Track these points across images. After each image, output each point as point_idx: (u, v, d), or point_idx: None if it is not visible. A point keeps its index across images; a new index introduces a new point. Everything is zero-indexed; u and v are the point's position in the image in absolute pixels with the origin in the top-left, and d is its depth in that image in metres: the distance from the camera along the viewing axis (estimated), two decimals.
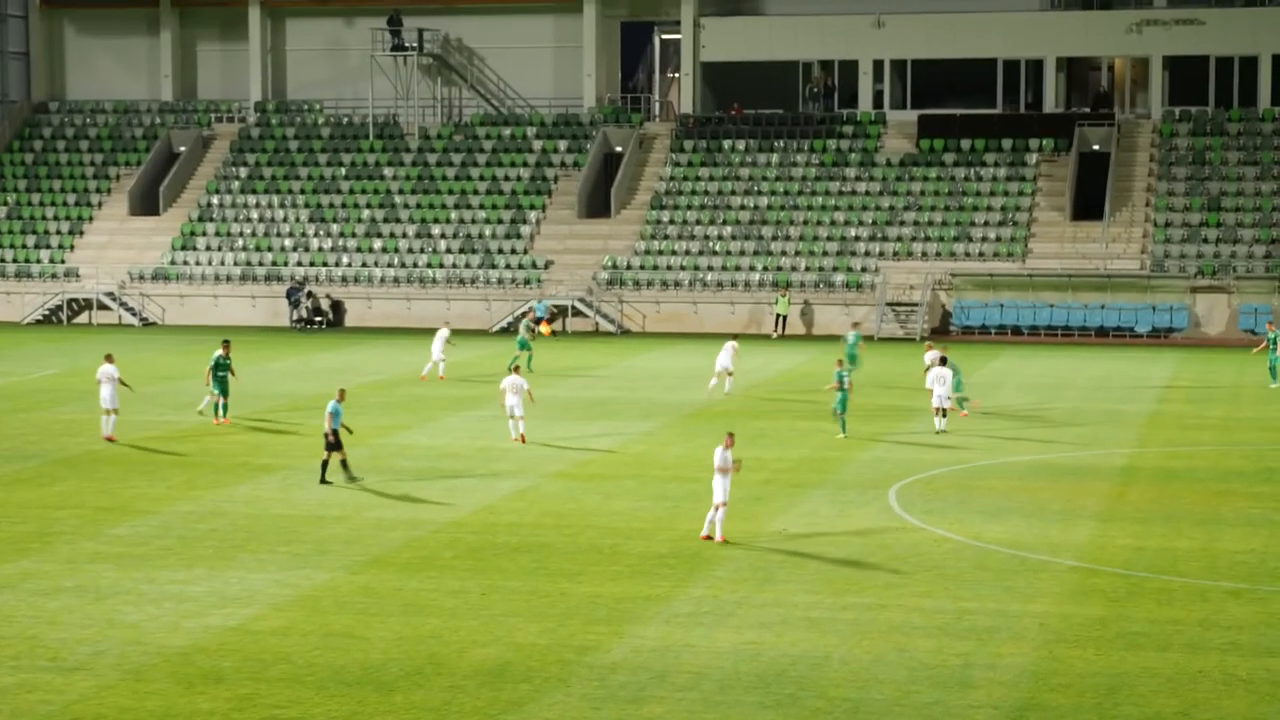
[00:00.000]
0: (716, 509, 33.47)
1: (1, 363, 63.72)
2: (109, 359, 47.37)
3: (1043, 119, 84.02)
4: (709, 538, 33.55)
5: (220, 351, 48.39)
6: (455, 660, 25.64)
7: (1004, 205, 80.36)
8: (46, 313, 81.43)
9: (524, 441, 45.15)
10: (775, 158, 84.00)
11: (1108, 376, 61.91)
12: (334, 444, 39.47)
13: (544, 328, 68.96)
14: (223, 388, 48.17)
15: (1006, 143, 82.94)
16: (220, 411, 48.24)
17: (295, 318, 78.29)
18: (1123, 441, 46.63)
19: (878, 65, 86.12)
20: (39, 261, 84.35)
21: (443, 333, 59.08)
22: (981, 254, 78.34)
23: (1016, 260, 77.82)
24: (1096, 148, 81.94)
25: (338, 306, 79.73)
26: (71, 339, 71.68)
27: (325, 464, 39.79)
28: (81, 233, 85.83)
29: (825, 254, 78.94)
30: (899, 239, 79.26)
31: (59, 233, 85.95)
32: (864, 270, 77.75)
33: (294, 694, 24.11)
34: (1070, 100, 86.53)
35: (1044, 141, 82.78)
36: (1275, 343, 58.35)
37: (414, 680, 24.70)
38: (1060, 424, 49.90)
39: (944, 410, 47.18)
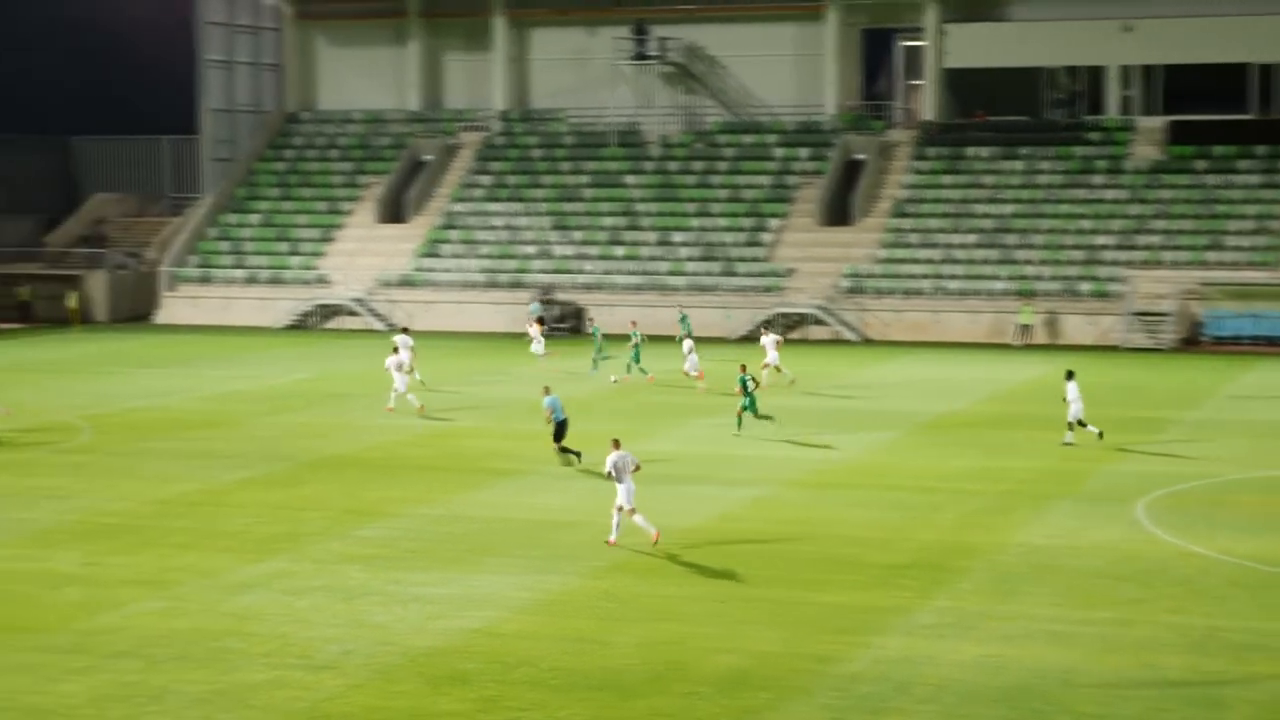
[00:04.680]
0: (632, 513, 33.73)
1: (254, 367, 65.22)
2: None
3: None
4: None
5: None
6: (695, 666, 25.65)
7: (1258, 213, 78.36)
8: (298, 318, 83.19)
9: (391, 412, 51.31)
10: (1019, 165, 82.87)
11: None
12: (559, 435, 42.72)
13: (537, 327, 69.71)
14: None
15: (1261, 149, 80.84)
16: None
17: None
18: None
19: (1126, 71, 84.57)
20: (290, 268, 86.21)
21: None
22: (1234, 263, 76.49)
23: (1271, 269, 75.81)
24: None
25: (579, 313, 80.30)
26: (321, 344, 73.07)
27: (565, 451, 42.73)
28: (331, 240, 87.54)
29: (1070, 262, 77.68)
30: (1147, 247, 77.72)
31: (310, 240, 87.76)
32: (1111, 279, 76.36)
33: (537, 697, 24.31)
34: None
35: None
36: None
37: (655, 685, 24.76)
38: None
39: (1075, 423, 46.08)
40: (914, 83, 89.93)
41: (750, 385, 47.60)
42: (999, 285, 77.03)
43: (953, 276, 77.95)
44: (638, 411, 52.81)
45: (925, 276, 78.18)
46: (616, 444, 34.48)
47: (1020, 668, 25.56)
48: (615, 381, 57.53)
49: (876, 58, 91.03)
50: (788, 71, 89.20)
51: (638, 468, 34.16)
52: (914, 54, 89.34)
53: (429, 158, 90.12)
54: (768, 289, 79.12)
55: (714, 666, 25.65)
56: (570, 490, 40.07)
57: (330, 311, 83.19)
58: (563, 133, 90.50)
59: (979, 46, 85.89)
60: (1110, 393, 58.77)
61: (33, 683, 24.97)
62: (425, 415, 51.53)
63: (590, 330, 67.43)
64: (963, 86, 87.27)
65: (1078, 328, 75.10)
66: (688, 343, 59.24)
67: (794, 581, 30.99)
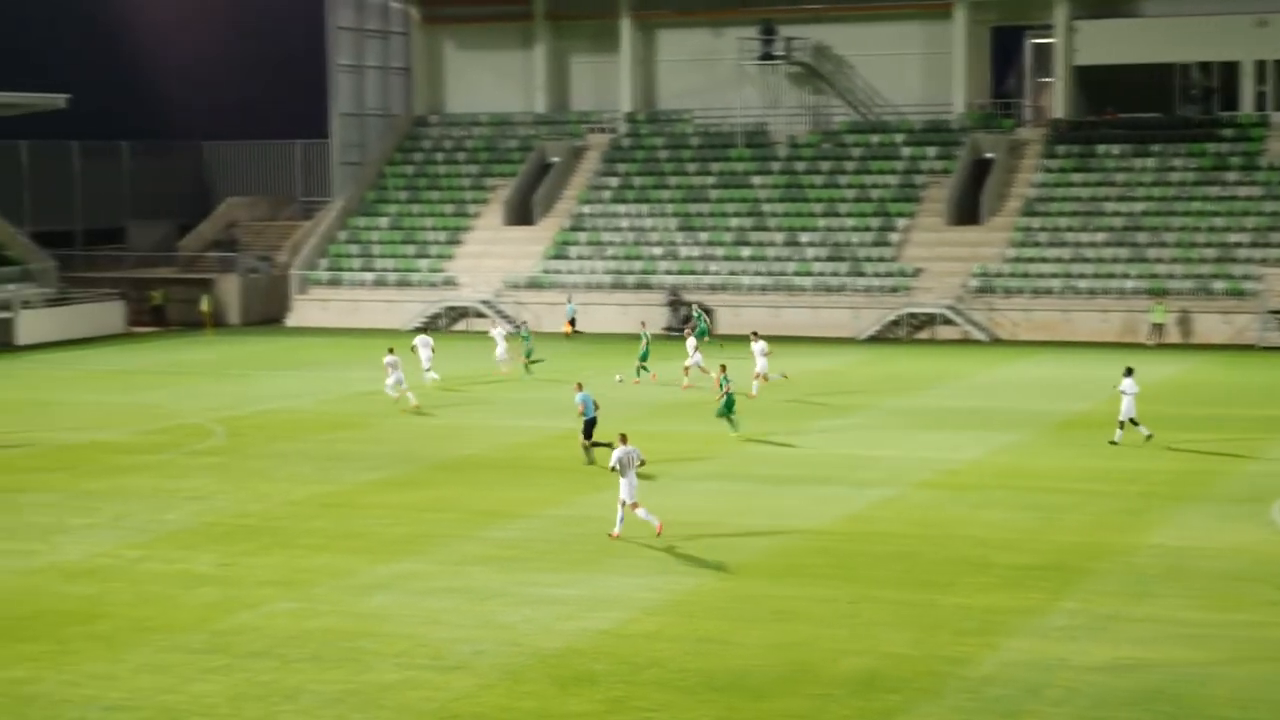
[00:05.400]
0: (634, 508, 34.46)
1: (383, 369, 65.68)
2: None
3: None
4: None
5: None
6: (825, 668, 25.60)
7: None
8: (426, 320, 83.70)
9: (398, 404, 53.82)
10: (1151, 162, 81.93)
11: None
12: (588, 432, 43.41)
13: (566, 327, 69.56)
14: None
15: None
16: None
17: (667, 324, 78.97)
18: None
19: (1260, 66, 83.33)
20: (419, 270, 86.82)
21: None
22: None
23: None
24: None
25: (707, 314, 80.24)
26: (449, 346, 73.38)
27: (596, 446, 43.15)
28: (459, 242, 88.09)
29: (1203, 261, 76.68)
30: None
31: (438, 242, 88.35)
32: (1245, 277, 75.32)
33: (665, 698, 24.35)
34: None
35: None
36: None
37: (784, 687, 24.74)
38: None
39: (1128, 422, 45.67)
40: (1044, 80, 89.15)
41: (729, 386, 48.01)
42: (1130, 284, 76.21)
43: (1083, 275, 77.20)
44: (762, 413, 52.71)
45: (1055, 276, 77.48)
46: (623, 439, 35.06)
47: (1154, 671, 25.29)
48: (619, 380, 58.14)
49: (1006, 55, 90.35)
50: (915, 70, 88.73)
51: (642, 463, 34.98)
52: (1044, 51, 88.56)
53: (556, 160, 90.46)
54: (895, 289, 78.75)
55: (844, 668, 25.59)
56: (696, 492, 40.11)
57: (458, 313, 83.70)
58: (689, 134, 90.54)
59: (1110, 43, 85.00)
60: (1244, 392, 58.04)
61: (170, 682, 25.36)
62: (420, 412, 52.91)
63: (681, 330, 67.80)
64: (1093, 84, 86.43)
65: (1211, 326, 74.16)
66: (692, 341, 59.77)
67: (923, 583, 30.85)
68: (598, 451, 43.07)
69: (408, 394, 54.07)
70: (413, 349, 59.69)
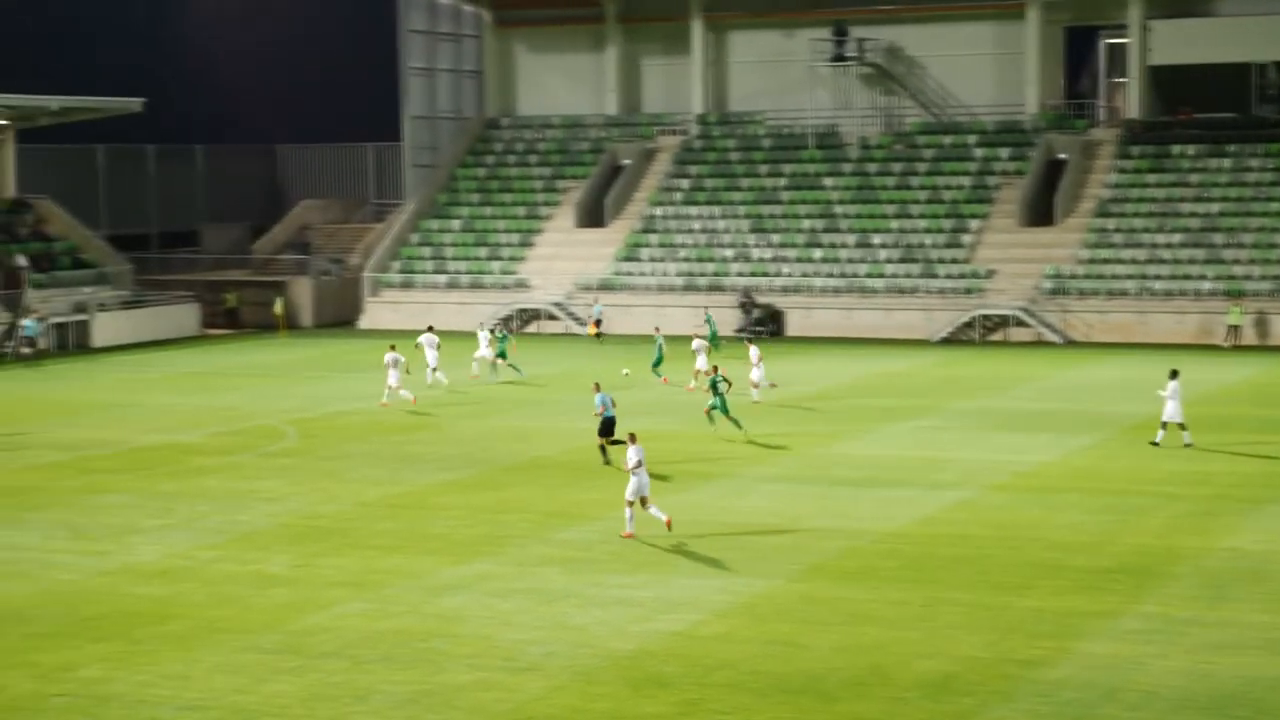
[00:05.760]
0: (632, 504, 34.88)
1: (454, 371, 65.79)
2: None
3: None
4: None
5: None
6: (898, 671, 25.47)
7: None
8: (498, 322, 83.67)
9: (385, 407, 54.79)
10: (1227, 163, 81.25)
11: None
12: (605, 430, 43.73)
13: (591, 328, 69.35)
14: None
15: None
16: None
17: (740, 326, 78.90)
18: None
19: None
20: (491, 273, 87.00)
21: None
22: None
23: None
24: None
25: (778, 316, 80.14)
26: (520, 347, 73.61)
27: (604, 448, 43.73)
28: (531, 244, 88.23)
29: None
30: None
31: (509, 244, 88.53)
32: None
33: (737, 700, 24.30)
34: None
35: None
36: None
37: (856, 690, 24.63)
38: None
39: (1174, 425, 45.27)
40: (1118, 80, 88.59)
41: (723, 387, 48.12)
42: (1206, 285, 75.59)
43: (1158, 277, 76.62)
44: (836, 415, 52.59)
45: (1130, 277, 76.94)
46: (633, 438, 35.39)
47: (1231, 675, 25.05)
48: (625, 374, 58.63)
49: (1079, 55, 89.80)
50: (988, 71, 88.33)
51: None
52: (1118, 51, 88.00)
53: (627, 162, 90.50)
54: (968, 291, 78.38)
55: (916, 671, 25.45)
56: (769, 494, 40.01)
57: (530, 315, 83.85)
58: (760, 135, 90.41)
59: (1185, 42, 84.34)
60: None
61: (243, 682, 25.47)
62: (416, 410, 53.78)
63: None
64: (1168, 83, 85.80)
65: None
66: (697, 342, 59.85)
67: (997, 585, 30.66)
68: (614, 451, 43.27)
69: (400, 391, 54.61)
70: (416, 347, 59.93)
